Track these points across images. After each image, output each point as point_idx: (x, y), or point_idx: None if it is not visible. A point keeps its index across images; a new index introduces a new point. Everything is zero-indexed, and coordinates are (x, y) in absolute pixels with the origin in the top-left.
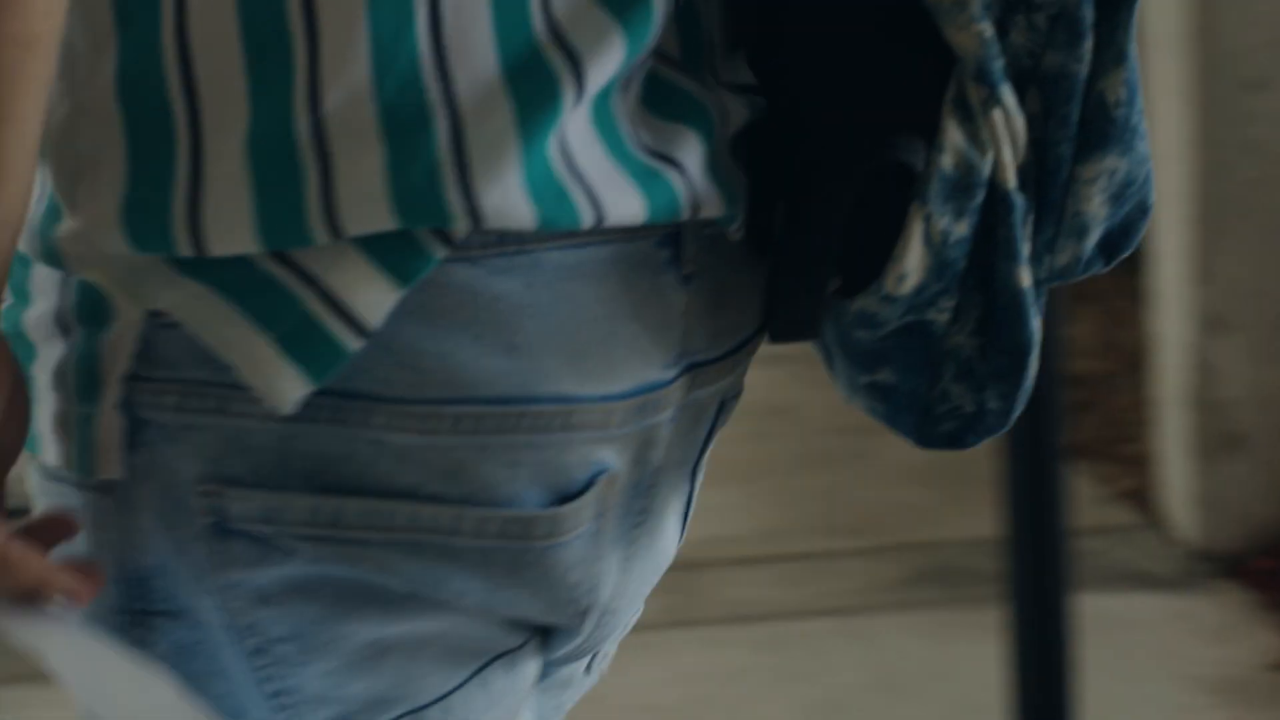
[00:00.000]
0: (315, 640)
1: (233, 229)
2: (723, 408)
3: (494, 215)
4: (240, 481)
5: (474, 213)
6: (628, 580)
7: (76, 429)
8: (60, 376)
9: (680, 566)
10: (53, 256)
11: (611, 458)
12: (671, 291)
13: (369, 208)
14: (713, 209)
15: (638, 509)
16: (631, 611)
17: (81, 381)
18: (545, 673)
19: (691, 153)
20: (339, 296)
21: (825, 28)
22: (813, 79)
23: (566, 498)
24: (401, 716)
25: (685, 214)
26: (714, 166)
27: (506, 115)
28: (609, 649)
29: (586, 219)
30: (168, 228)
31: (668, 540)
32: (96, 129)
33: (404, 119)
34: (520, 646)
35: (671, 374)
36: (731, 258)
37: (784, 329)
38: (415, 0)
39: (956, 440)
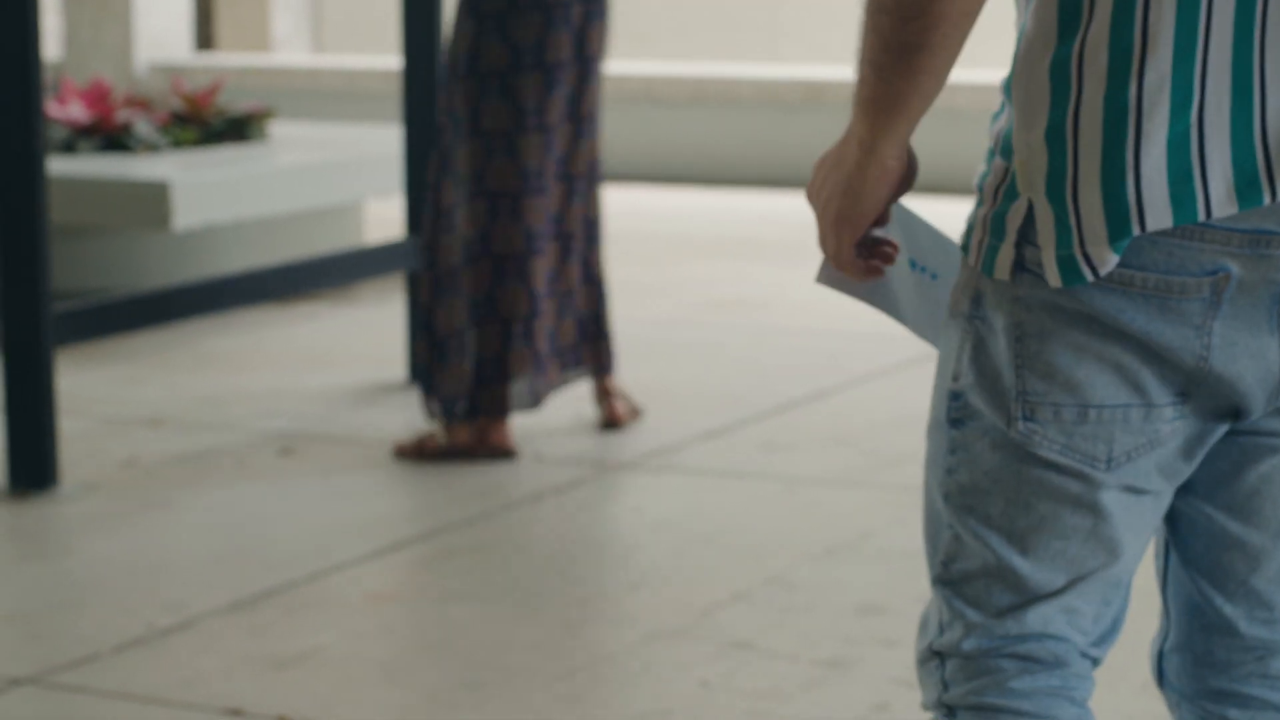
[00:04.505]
0: (1047, 334)
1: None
2: None
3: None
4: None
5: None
6: None
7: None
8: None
9: None
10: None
11: (1231, 265)
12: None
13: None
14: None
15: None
16: None
17: (995, 225)
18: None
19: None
20: (1087, 247)
21: None
22: None
23: (1192, 275)
24: (1077, 406)
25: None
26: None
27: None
28: None
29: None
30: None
31: None
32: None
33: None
34: (1155, 405)
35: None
36: None
37: None
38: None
39: None
